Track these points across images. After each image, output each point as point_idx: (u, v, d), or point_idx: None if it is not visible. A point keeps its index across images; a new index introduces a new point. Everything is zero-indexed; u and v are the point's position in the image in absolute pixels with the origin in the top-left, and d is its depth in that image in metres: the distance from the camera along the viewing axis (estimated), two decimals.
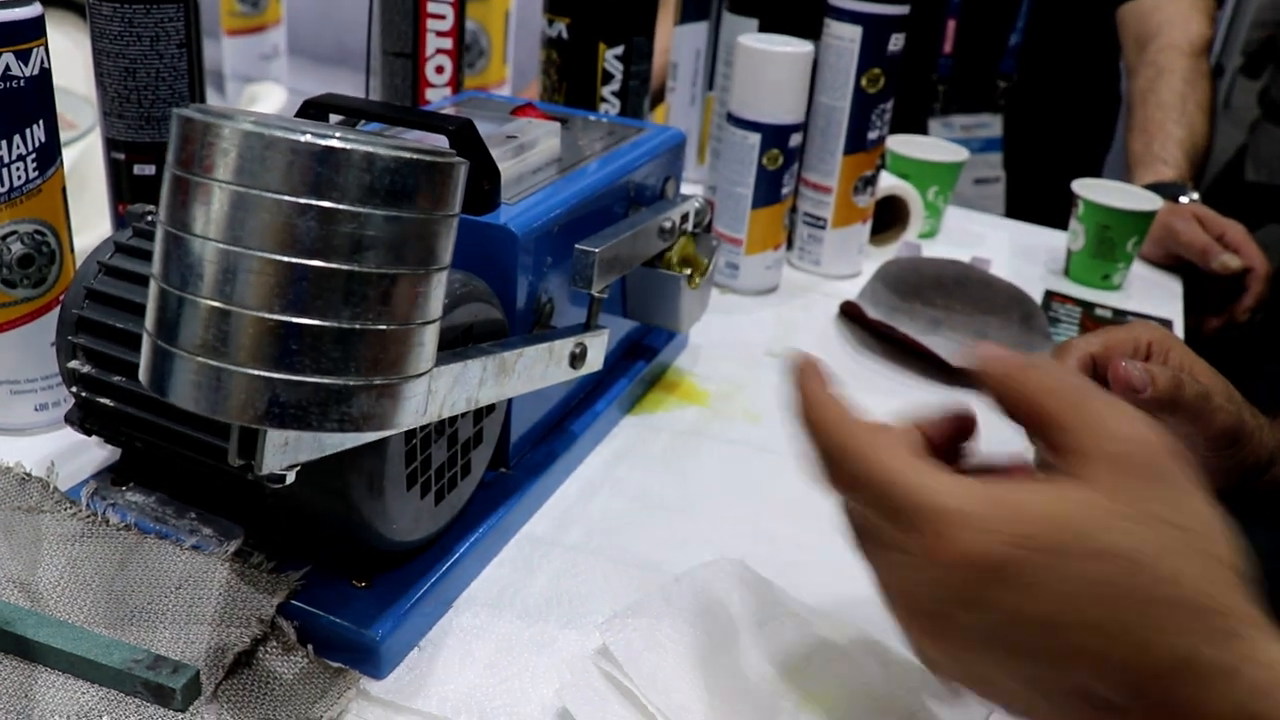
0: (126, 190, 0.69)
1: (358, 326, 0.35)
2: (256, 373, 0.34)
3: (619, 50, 0.90)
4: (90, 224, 0.80)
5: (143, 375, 0.36)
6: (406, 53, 0.85)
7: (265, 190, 0.33)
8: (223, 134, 0.34)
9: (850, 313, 0.89)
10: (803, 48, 0.86)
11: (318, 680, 0.48)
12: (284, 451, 0.39)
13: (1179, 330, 0.98)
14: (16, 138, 0.57)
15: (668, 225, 0.67)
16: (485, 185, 0.55)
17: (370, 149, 0.34)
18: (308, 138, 0.33)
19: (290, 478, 0.40)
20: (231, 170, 0.33)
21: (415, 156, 0.35)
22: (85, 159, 0.88)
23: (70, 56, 0.93)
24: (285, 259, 0.34)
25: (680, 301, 0.70)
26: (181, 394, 0.35)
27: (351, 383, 0.35)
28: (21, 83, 0.56)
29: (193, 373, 0.35)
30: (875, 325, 0.86)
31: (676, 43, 1.06)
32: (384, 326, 0.36)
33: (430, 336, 0.38)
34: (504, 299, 0.56)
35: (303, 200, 0.33)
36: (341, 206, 0.34)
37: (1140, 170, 1.25)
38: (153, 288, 0.36)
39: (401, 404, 0.37)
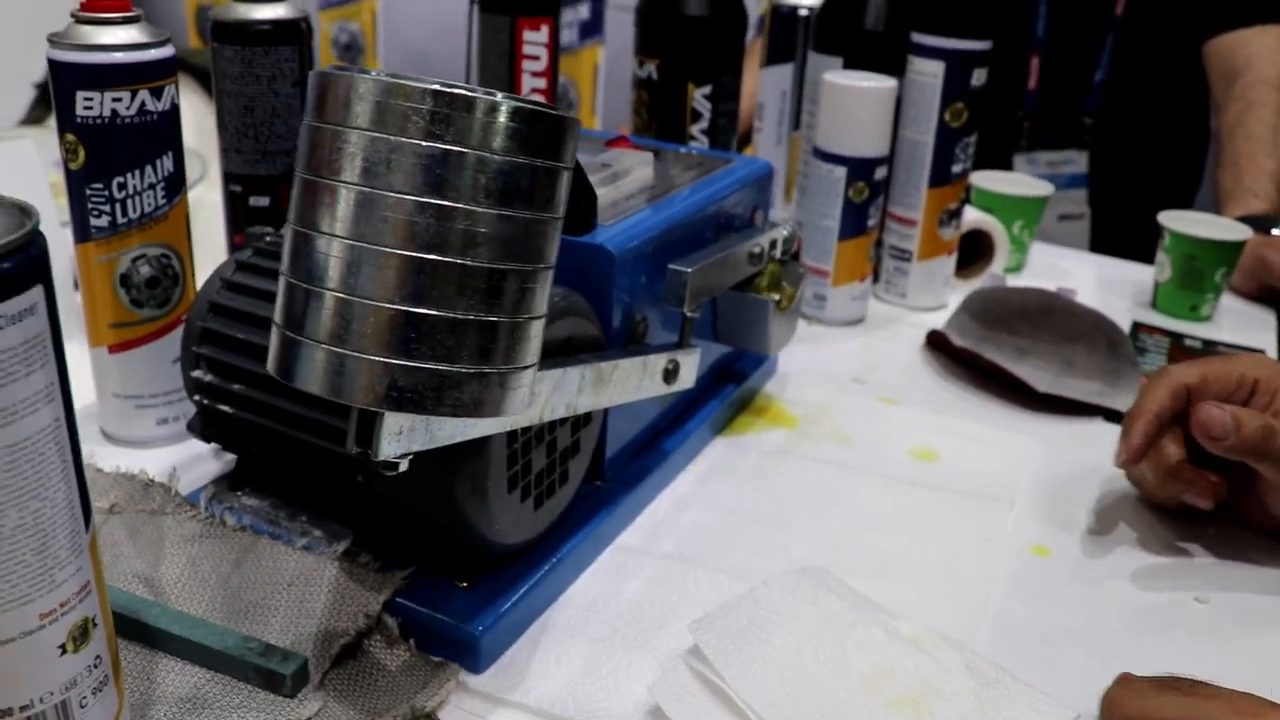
0: (242, 221, 0.73)
1: (471, 317, 0.37)
2: (377, 359, 0.37)
3: (707, 90, 0.93)
4: (199, 267, 0.84)
5: (271, 365, 0.39)
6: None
7: (389, 191, 0.36)
8: (350, 140, 0.37)
9: (936, 342, 0.90)
10: (887, 83, 0.88)
11: (419, 672, 0.50)
12: (399, 439, 0.41)
13: None
14: (149, 167, 0.61)
15: (757, 250, 0.69)
16: (583, 207, 0.58)
17: (484, 152, 0.37)
18: (428, 144, 0.36)
19: (403, 465, 0.42)
20: (357, 175, 0.36)
21: (524, 160, 0.37)
22: (195, 207, 0.93)
23: (181, 111, 0.98)
24: (406, 254, 0.36)
25: (769, 325, 0.71)
26: (307, 379, 0.38)
27: (464, 370, 0.38)
28: (155, 117, 0.60)
29: (318, 360, 0.37)
30: (961, 353, 0.87)
31: (763, 84, 1.09)
32: (494, 319, 0.38)
33: (535, 331, 0.40)
34: (601, 316, 0.58)
35: (423, 199, 0.36)
36: (458, 205, 0.36)
37: (1230, 204, 1.24)
38: (281, 284, 0.39)
39: (509, 393, 0.40)
